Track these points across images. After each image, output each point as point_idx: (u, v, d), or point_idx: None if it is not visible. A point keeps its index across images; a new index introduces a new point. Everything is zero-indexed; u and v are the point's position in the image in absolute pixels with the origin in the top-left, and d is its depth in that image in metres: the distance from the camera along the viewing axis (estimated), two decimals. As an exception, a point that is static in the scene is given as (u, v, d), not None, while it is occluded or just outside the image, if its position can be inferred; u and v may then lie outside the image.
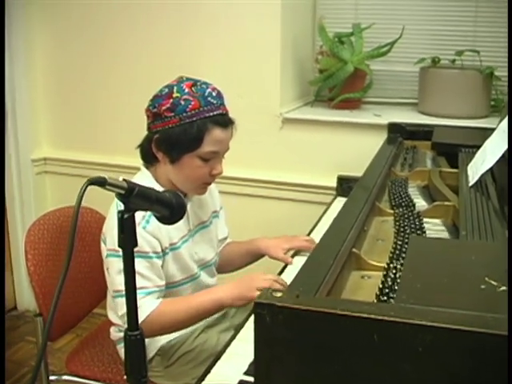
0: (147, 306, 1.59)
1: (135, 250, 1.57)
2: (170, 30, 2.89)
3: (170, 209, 1.18)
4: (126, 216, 1.07)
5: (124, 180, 1.07)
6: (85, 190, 0.97)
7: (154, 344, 1.79)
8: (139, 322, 1.56)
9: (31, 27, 3.12)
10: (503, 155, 1.65)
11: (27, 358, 2.91)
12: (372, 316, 0.85)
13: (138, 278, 1.59)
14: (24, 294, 3.28)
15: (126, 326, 1.16)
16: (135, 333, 1.12)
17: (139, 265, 1.59)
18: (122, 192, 1.06)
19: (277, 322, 0.89)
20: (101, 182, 1.01)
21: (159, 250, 1.67)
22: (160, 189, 1.63)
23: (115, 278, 1.63)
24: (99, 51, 3.07)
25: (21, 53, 3.06)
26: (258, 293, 1.53)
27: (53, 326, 1.88)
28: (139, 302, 1.58)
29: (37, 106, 3.23)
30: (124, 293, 1.13)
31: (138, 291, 1.57)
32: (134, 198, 1.08)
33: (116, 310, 1.67)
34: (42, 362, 0.86)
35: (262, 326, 0.90)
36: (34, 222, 1.95)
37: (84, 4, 3.03)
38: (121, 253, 1.13)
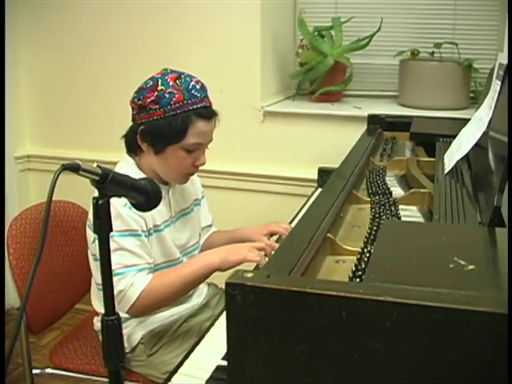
0: (140, 283, 1.61)
1: (125, 229, 1.61)
2: (153, 27, 2.90)
3: (145, 195, 1.20)
4: (100, 202, 1.09)
5: (98, 166, 1.08)
6: (58, 175, 0.98)
7: (137, 333, 1.80)
8: (134, 299, 1.59)
9: (15, 25, 3.11)
10: (477, 143, 1.68)
11: (12, 355, 2.89)
12: (340, 294, 0.86)
13: (129, 255, 1.63)
14: (9, 291, 3.26)
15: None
16: (112, 317, 1.13)
17: (130, 243, 1.63)
18: (97, 178, 1.07)
19: (248, 302, 0.90)
20: (75, 168, 1.02)
21: (145, 228, 1.70)
22: (142, 177, 1.64)
23: None
24: (83, 49, 3.07)
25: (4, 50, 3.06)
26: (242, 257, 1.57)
27: (36, 319, 1.89)
28: (131, 280, 1.60)
29: (20, 103, 3.22)
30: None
31: (129, 269, 1.61)
32: (108, 184, 1.09)
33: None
34: (15, 342, 0.87)
35: (233, 306, 0.92)
36: (15, 217, 1.96)
37: (67, 3, 3.03)
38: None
